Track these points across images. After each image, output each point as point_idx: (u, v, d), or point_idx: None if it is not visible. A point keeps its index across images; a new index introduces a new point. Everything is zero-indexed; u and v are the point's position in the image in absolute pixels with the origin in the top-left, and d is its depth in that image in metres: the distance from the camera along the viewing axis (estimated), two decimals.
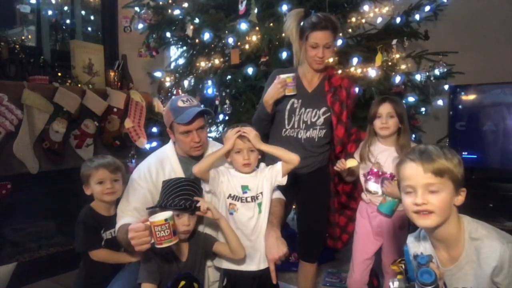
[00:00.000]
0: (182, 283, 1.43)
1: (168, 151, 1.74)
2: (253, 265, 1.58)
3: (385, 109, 1.82)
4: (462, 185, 1.03)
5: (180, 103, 1.63)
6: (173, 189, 1.50)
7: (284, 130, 1.92)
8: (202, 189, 1.59)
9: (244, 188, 1.60)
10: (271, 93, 1.82)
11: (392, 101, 1.84)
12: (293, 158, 1.59)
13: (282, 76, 1.81)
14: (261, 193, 1.61)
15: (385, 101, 1.84)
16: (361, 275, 1.93)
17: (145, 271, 1.46)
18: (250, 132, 1.58)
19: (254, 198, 1.59)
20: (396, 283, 0.98)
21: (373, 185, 1.86)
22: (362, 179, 1.91)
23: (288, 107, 1.88)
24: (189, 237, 1.56)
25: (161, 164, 1.68)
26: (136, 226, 1.32)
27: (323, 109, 1.90)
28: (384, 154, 1.84)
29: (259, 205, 1.60)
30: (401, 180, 1.08)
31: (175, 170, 1.68)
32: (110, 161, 1.74)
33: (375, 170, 1.85)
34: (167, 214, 1.33)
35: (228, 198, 1.59)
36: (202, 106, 1.72)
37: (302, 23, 1.86)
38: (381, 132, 1.83)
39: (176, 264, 1.51)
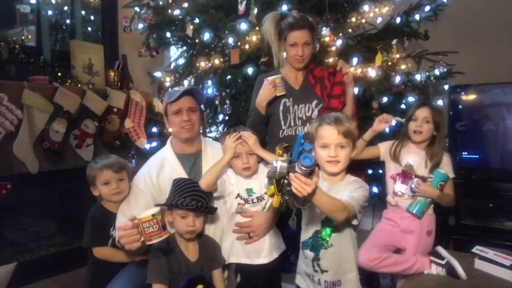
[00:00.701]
0: (200, 287, 1.43)
1: (166, 151, 1.77)
2: (262, 258, 1.62)
3: (422, 113, 1.82)
4: (355, 144, 1.45)
5: (176, 88, 1.74)
6: (184, 189, 1.51)
7: (281, 131, 1.93)
8: (211, 192, 1.60)
9: (249, 192, 1.64)
10: (263, 95, 1.86)
11: (431, 107, 1.84)
12: None
13: (270, 78, 1.85)
14: (266, 193, 1.63)
15: (424, 105, 1.85)
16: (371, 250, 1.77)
17: (155, 271, 1.45)
18: (250, 137, 1.60)
19: (259, 199, 1.65)
20: (279, 162, 1.09)
21: (400, 186, 1.86)
22: (389, 181, 1.92)
23: (281, 107, 1.92)
24: (197, 238, 1.57)
25: (160, 165, 1.71)
26: (123, 224, 1.34)
27: (314, 102, 1.94)
28: (417, 157, 1.85)
29: (265, 204, 1.65)
30: (318, 138, 1.40)
31: (174, 168, 1.70)
32: (113, 161, 1.73)
33: (407, 172, 1.85)
34: (154, 209, 1.35)
35: (237, 197, 1.63)
36: None
37: (280, 25, 1.90)
38: (414, 137, 1.84)
39: (185, 264, 1.51)
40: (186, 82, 2.78)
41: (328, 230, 1.38)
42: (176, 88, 1.75)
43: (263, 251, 1.63)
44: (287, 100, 1.92)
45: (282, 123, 1.92)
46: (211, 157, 1.72)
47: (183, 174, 1.68)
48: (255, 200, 1.63)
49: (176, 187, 1.53)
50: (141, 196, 1.63)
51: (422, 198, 1.79)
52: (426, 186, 1.77)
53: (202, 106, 1.86)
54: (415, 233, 1.83)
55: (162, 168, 1.70)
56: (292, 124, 1.92)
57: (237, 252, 1.63)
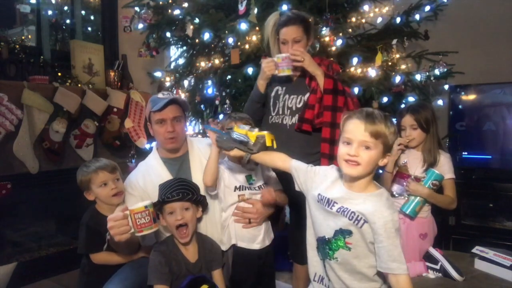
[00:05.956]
0: (205, 287, 1.42)
1: (152, 157, 1.77)
2: (255, 244, 1.65)
3: (406, 121, 1.86)
4: (389, 151, 1.21)
5: (160, 95, 1.70)
6: (168, 187, 1.52)
7: (270, 117, 1.94)
8: (198, 188, 1.59)
9: (249, 179, 1.66)
10: (261, 72, 1.85)
11: (414, 112, 1.85)
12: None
13: (278, 56, 1.81)
14: (266, 182, 1.69)
15: (407, 112, 1.86)
16: None
17: (156, 272, 1.45)
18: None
19: (261, 187, 1.68)
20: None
21: (395, 187, 1.89)
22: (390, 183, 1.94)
23: (273, 93, 1.92)
24: (196, 239, 1.57)
25: (147, 171, 1.72)
26: (114, 215, 1.35)
27: (307, 95, 1.88)
28: (413, 157, 1.87)
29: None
30: (343, 132, 1.21)
31: (161, 174, 1.69)
32: (106, 163, 1.72)
33: (401, 172, 1.87)
34: (146, 202, 1.37)
35: (235, 190, 1.64)
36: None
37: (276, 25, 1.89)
38: (410, 145, 1.87)
39: (185, 265, 1.51)
40: (186, 82, 2.78)
41: (340, 242, 1.20)
42: (160, 95, 1.71)
43: (258, 237, 1.65)
44: (279, 88, 1.91)
45: (271, 109, 1.93)
46: (198, 156, 1.73)
47: (170, 178, 1.67)
48: (257, 188, 1.65)
49: (162, 189, 1.54)
50: (132, 199, 1.64)
51: (413, 197, 1.79)
52: (416, 185, 1.77)
53: (186, 113, 1.84)
54: (404, 236, 1.82)
55: (149, 174, 1.70)
56: (280, 113, 1.91)
57: (237, 235, 1.64)
